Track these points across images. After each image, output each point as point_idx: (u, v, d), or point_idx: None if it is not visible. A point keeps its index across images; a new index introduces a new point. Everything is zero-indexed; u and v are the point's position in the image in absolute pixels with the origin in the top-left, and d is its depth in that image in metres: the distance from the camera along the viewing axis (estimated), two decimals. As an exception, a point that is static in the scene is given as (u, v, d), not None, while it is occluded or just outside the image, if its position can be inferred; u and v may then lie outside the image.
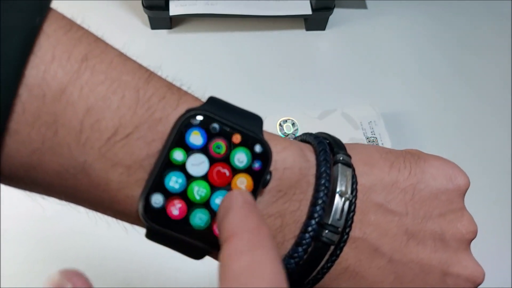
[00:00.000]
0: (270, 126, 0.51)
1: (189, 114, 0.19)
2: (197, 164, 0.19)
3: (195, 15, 0.59)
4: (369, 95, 0.60)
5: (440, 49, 0.66)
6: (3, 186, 0.53)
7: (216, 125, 0.19)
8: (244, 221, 0.16)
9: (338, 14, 0.66)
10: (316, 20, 0.64)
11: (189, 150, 0.19)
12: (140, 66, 0.20)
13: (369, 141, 0.52)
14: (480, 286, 0.48)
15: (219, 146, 0.19)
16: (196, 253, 0.20)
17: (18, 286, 0.44)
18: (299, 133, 0.53)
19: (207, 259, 0.21)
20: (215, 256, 0.21)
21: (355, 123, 0.53)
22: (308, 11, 0.61)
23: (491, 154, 0.58)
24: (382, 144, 0.52)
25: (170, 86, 0.20)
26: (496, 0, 0.71)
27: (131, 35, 0.62)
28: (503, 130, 0.59)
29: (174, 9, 0.59)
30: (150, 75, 0.20)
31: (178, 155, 0.19)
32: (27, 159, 0.17)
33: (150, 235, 0.19)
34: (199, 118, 0.19)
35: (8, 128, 0.17)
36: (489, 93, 0.63)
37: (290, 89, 0.61)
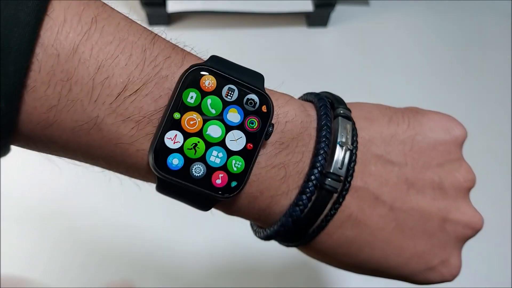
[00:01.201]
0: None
1: (193, 69, 0.20)
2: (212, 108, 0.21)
3: (193, 11, 0.58)
4: (371, 93, 0.60)
5: (443, 46, 0.67)
6: (4, 185, 0.53)
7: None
8: None
9: (340, 10, 0.66)
10: (318, 16, 0.64)
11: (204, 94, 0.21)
12: (145, 28, 0.21)
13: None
14: (480, 286, 0.48)
15: (232, 89, 0.21)
16: (204, 203, 0.22)
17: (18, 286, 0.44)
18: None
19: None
20: (223, 209, 0.23)
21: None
22: (309, 7, 0.61)
23: (495, 151, 0.58)
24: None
25: (174, 46, 0.22)
26: (498, 0, 0.71)
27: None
28: (507, 127, 0.60)
29: (172, 6, 0.58)
30: (155, 37, 0.21)
31: (191, 96, 0.20)
32: (44, 116, 0.19)
33: (161, 187, 0.21)
34: (203, 73, 0.21)
35: (26, 86, 0.18)
36: (492, 91, 0.64)
37: (291, 86, 0.60)
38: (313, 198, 0.22)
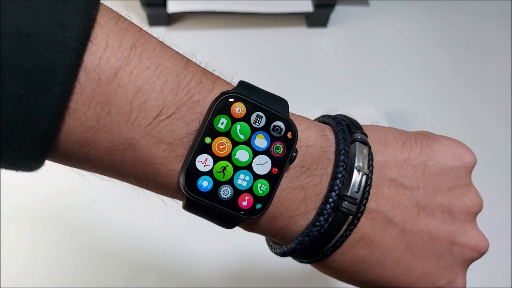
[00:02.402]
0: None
1: (224, 97, 0.22)
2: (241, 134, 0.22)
3: (193, 12, 0.59)
4: (371, 94, 0.61)
5: (442, 47, 0.67)
6: (4, 186, 0.53)
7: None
8: None
9: (339, 11, 0.66)
10: (318, 17, 0.64)
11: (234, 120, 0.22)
12: (178, 53, 0.23)
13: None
14: (480, 286, 0.48)
15: (260, 116, 0.22)
16: (229, 222, 0.23)
17: (18, 286, 0.44)
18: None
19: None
20: (244, 226, 0.24)
21: (357, 123, 0.53)
22: (309, 8, 0.61)
23: (495, 153, 0.59)
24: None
25: (205, 71, 0.23)
26: (499, 0, 0.71)
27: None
28: (506, 128, 0.61)
29: (173, 6, 0.59)
30: (187, 62, 0.23)
31: (222, 122, 0.22)
32: (82, 136, 0.20)
33: (189, 206, 0.22)
34: (232, 100, 0.22)
35: (68, 107, 0.19)
36: (491, 92, 0.64)
37: (291, 87, 0.61)
38: (329, 219, 0.24)
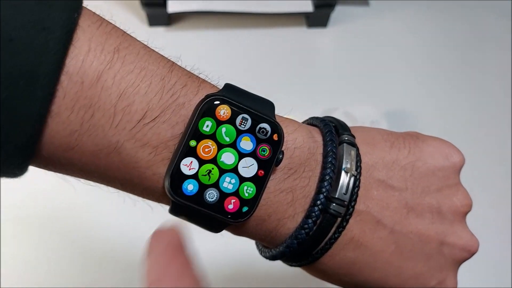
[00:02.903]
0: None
1: (209, 99, 0.22)
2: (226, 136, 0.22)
3: (193, 12, 0.59)
4: (371, 94, 0.61)
5: (442, 46, 0.67)
6: (3, 188, 0.53)
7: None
8: (167, 268, 0.18)
9: (339, 11, 0.66)
10: (318, 17, 0.64)
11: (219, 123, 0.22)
12: (163, 57, 0.23)
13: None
14: (480, 286, 0.48)
15: (245, 119, 0.22)
16: (216, 226, 0.23)
17: (18, 286, 0.45)
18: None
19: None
20: (231, 230, 0.24)
21: (357, 123, 0.53)
22: (309, 8, 0.61)
23: (494, 153, 0.59)
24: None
25: (190, 74, 0.23)
26: (499, 0, 0.71)
27: (129, 32, 0.62)
28: (507, 127, 0.61)
29: (173, 6, 0.59)
30: (172, 65, 0.22)
31: (207, 124, 0.21)
32: (66, 140, 0.20)
33: (175, 210, 0.22)
34: (217, 102, 0.22)
35: (50, 111, 0.19)
36: (492, 92, 0.64)
37: (291, 87, 0.61)
38: (318, 221, 0.23)
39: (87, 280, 0.46)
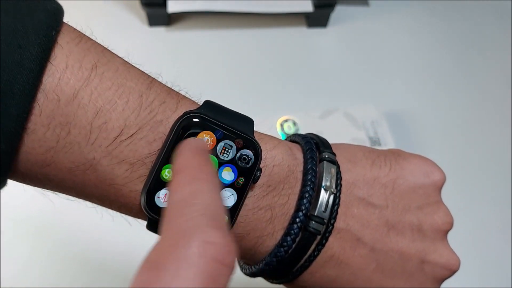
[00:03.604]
0: (270, 126, 0.51)
1: (187, 116, 0.21)
2: None
3: (193, 12, 0.59)
4: (371, 94, 0.61)
5: (442, 47, 0.67)
6: (3, 188, 0.53)
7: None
8: (190, 159, 0.18)
9: (339, 11, 0.66)
10: (318, 17, 0.64)
11: None
12: (143, 73, 0.22)
13: (371, 141, 0.52)
14: (480, 286, 0.48)
15: (229, 146, 0.22)
16: None
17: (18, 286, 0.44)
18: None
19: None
20: None
21: (357, 123, 0.53)
22: (309, 8, 0.61)
23: (494, 153, 0.59)
24: (385, 144, 0.52)
25: (169, 91, 0.23)
26: (499, 0, 0.71)
27: (129, 32, 0.62)
28: (507, 128, 0.61)
29: (173, 6, 0.59)
30: (151, 81, 0.22)
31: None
32: (42, 157, 0.20)
33: (151, 226, 0.22)
34: (196, 120, 0.21)
35: (26, 128, 0.19)
36: (492, 92, 0.64)
37: (291, 87, 0.61)
38: (297, 239, 0.23)
39: (87, 281, 0.46)
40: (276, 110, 0.55)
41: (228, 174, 0.22)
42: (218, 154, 0.22)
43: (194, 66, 0.61)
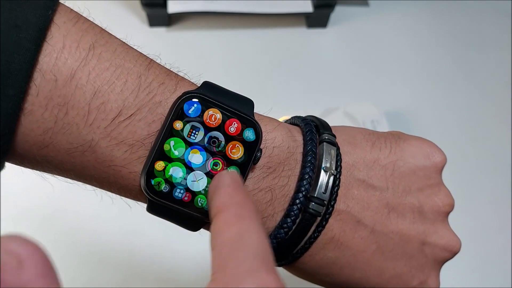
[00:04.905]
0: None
1: (186, 96, 0.21)
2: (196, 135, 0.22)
3: (193, 12, 0.59)
4: (371, 94, 0.61)
5: (442, 46, 0.67)
6: (4, 184, 0.53)
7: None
8: (232, 196, 0.17)
9: (339, 11, 0.66)
10: (317, 17, 0.64)
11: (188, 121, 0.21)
12: (141, 54, 0.22)
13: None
14: (480, 286, 0.48)
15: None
16: (192, 224, 0.23)
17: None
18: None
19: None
20: (207, 228, 0.24)
21: (357, 122, 0.53)
22: (309, 8, 0.61)
23: (494, 152, 0.59)
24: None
25: (168, 72, 0.23)
26: (498, 0, 0.71)
27: (129, 32, 0.62)
28: (507, 127, 0.61)
29: (173, 7, 0.59)
30: (150, 62, 0.22)
31: (178, 125, 0.21)
32: (40, 138, 0.20)
33: (151, 208, 0.22)
34: (195, 100, 0.21)
35: (23, 109, 0.19)
36: (492, 91, 0.64)
37: (291, 87, 0.61)
38: (297, 221, 0.23)
39: (88, 280, 0.46)
40: (276, 110, 0.54)
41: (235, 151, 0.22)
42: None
43: (194, 66, 0.60)
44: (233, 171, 0.21)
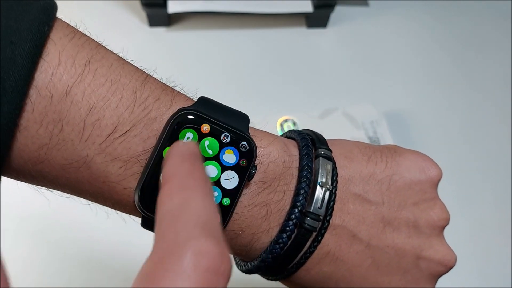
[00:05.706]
0: (270, 126, 0.51)
1: (181, 113, 0.21)
2: None
3: (193, 12, 0.59)
4: (371, 94, 0.61)
5: (442, 47, 0.67)
6: (3, 187, 0.53)
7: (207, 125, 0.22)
8: (179, 166, 0.17)
9: (339, 11, 0.66)
10: (317, 17, 0.64)
11: None
12: (137, 69, 0.22)
13: (371, 141, 0.52)
14: (480, 286, 0.48)
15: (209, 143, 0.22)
16: None
17: (18, 286, 0.44)
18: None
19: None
20: None
21: (356, 123, 0.53)
22: (309, 8, 0.61)
23: (494, 152, 0.59)
24: (385, 144, 0.52)
25: (164, 87, 0.22)
26: (498, 0, 0.71)
27: (129, 32, 0.62)
28: (506, 128, 0.60)
29: (173, 7, 0.59)
30: (146, 78, 0.22)
31: (188, 136, 0.21)
32: (35, 154, 0.20)
33: (145, 223, 0.22)
34: (190, 117, 0.21)
35: (19, 125, 0.19)
36: (491, 92, 0.64)
37: (291, 87, 0.61)
38: (293, 236, 0.23)
39: (87, 280, 0.46)
40: (276, 110, 0.55)
41: (229, 157, 0.22)
42: (206, 147, 0.22)
43: (194, 66, 0.61)
44: (189, 142, 0.20)
